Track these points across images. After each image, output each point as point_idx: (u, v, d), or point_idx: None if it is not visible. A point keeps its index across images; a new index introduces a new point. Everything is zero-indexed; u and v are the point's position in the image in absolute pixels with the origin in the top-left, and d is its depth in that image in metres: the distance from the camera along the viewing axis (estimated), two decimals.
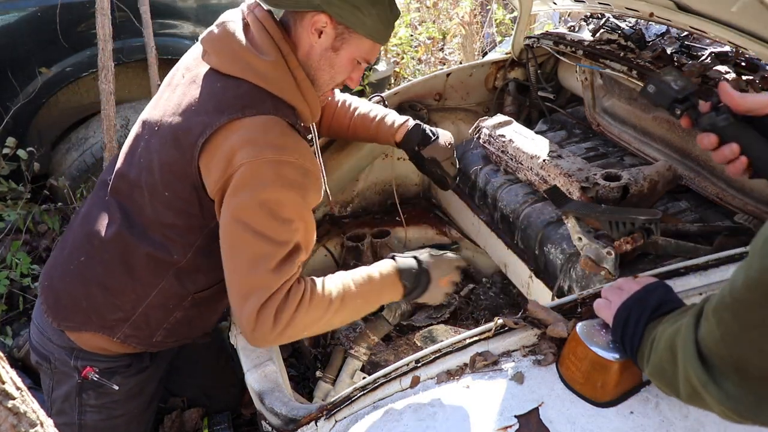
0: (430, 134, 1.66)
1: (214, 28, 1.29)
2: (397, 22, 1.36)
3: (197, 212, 1.27)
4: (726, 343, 0.68)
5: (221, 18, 1.31)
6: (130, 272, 1.33)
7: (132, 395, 1.49)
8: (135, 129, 1.38)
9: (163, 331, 1.40)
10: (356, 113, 1.70)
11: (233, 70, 1.23)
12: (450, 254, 1.48)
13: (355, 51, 1.28)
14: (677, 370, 0.76)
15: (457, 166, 1.72)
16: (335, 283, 1.29)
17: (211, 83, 1.25)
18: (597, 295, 1.03)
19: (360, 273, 1.34)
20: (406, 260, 1.40)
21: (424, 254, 1.44)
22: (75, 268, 1.37)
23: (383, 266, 1.37)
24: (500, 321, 1.06)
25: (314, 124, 1.55)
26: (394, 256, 1.42)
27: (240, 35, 1.24)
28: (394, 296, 1.38)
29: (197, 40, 1.34)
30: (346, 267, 2.21)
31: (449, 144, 1.68)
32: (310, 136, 1.52)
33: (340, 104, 1.72)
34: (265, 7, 1.27)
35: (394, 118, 1.69)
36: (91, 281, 1.35)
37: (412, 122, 1.69)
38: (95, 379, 1.40)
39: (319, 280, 1.28)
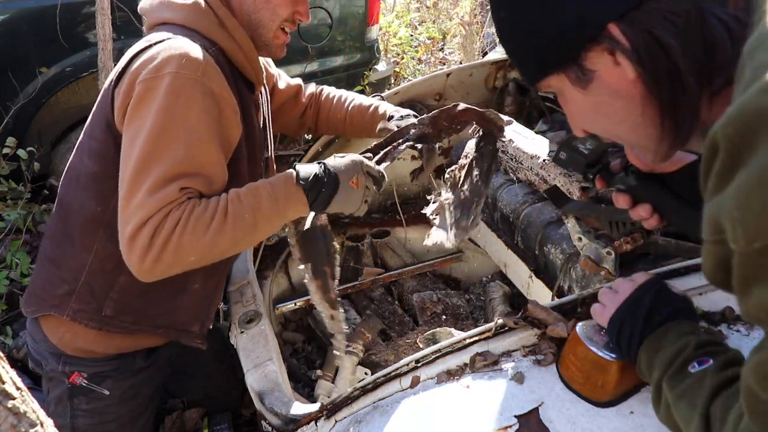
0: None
1: None
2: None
3: (114, 154, 1.22)
4: None
5: None
6: (69, 239, 1.33)
7: (125, 399, 1.47)
8: None
9: (110, 302, 1.34)
10: (352, 104, 1.67)
11: (155, 20, 1.28)
12: (354, 156, 1.26)
13: None
14: None
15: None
16: (220, 198, 1.15)
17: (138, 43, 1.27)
18: (597, 295, 1.03)
19: (250, 184, 1.19)
20: (306, 165, 1.22)
21: (328, 159, 1.26)
22: (38, 256, 1.42)
23: (279, 175, 1.21)
24: (500, 321, 1.06)
25: (266, 91, 1.54)
26: (294, 165, 1.25)
27: None
28: (297, 207, 1.19)
29: None
30: (346, 267, 2.22)
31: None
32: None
33: (336, 98, 1.70)
34: None
35: (386, 107, 1.63)
36: (43, 260, 1.38)
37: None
38: (84, 384, 1.39)
39: (203, 199, 1.15)
